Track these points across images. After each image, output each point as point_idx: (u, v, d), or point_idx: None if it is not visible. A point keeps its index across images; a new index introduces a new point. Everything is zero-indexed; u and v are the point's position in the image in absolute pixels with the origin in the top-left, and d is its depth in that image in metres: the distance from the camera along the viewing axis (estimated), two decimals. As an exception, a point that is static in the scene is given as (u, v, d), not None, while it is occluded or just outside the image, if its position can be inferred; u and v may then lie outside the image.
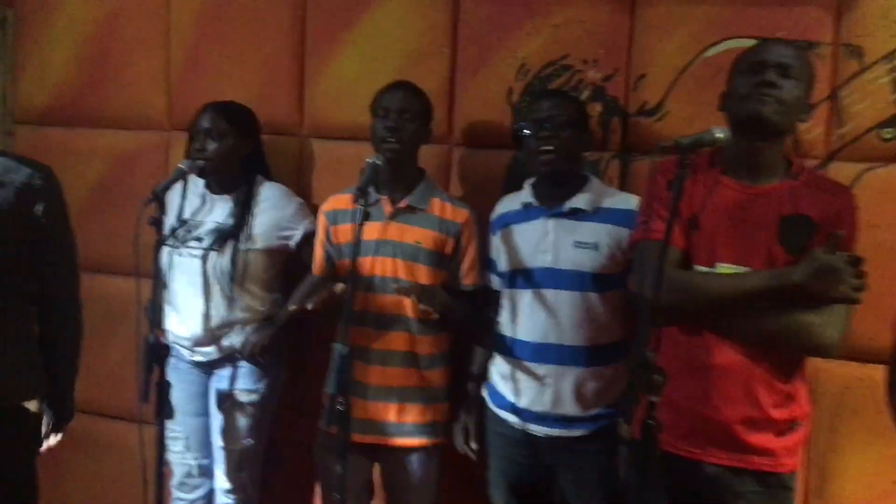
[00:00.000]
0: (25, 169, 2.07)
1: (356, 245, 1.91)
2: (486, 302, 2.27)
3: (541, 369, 2.06)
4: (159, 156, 2.87)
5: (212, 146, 2.38)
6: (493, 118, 2.45)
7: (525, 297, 2.09)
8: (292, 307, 2.08)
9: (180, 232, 2.46)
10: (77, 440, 3.06)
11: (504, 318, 2.17)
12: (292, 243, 2.47)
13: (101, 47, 2.92)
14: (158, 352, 2.22)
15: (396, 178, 2.22)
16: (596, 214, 2.05)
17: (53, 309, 2.19)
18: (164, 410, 2.25)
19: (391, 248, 2.21)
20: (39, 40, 3.02)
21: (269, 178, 2.56)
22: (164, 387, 2.23)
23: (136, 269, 2.22)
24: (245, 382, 2.48)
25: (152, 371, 2.20)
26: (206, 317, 2.43)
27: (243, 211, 2.44)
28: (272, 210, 2.45)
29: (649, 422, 1.56)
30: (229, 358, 2.47)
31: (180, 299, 2.46)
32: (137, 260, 2.14)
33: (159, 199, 2.17)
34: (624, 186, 2.30)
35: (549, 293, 2.05)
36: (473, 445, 2.21)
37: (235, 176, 2.48)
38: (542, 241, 2.08)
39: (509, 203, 2.21)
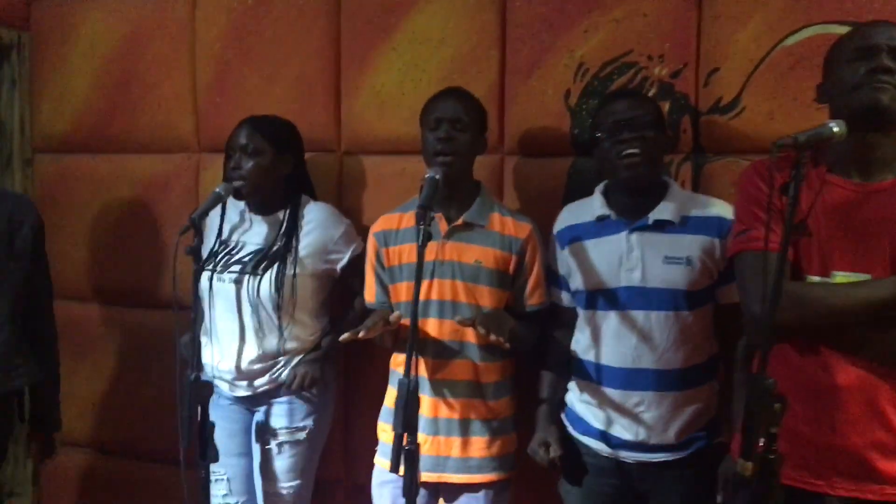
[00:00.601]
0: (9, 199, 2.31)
1: (418, 268, 1.73)
2: (555, 321, 2.09)
3: (634, 397, 1.87)
4: (189, 179, 2.71)
5: (248, 164, 2.22)
6: (548, 123, 2.27)
7: (609, 320, 1.91)
8: (343, 336, 1.90)
9: (221, 256, 2.29)
10: (111, 483, 2.91)
11: (583, 341, 1.98)
12: (339, 267, 2.30)
13: (123, 68, 2.78)
14: (201, 391, 2.06)
15: (452, 193, 2.04)
16: (684, 225, 1.86)
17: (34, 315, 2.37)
18: (208, 454, 2.08)
19: (449, 269, 2.03)
20: (58, 64, 2.88)
21: (314, 197, 2.39)
22: (207, 428, 2.06)
23: (174, 301, 2.06)
24: (292, 419, 2.29)
25: (195, 413, 2.03)
26: (250, 348, 2.25)
27: (288, 233, 2.27)
28: (319, 231, 2.28)
29: (770, 456, 1.37)
30: (274, 392, 2.28)
31: (220, 329, 2.28)
32: (176, 292, 1.99)
33: (196, 227, 2.02)
34: (697, 191, 2.11)
35: (639, 315, 1.87)
36: (557, 451, 1.98)
37: (277, 196, 2.31)
38: (626, 259, 1.89)
39: (577, 213, 2.03)
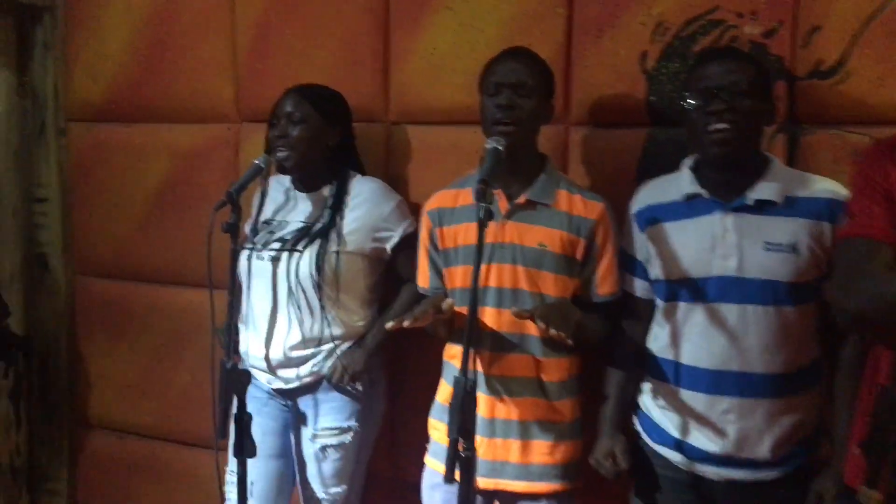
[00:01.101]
0: None
1: (478, 251, 1.52)
2: (628, 314, 1.87)
3: (721, 403, 1.64)
4: (228, 151, 2.54)
5: (294, 132, 2.04)
6: (621, 90, 2.03)
7: (695, 314, 1.68)
8: (389, 324, 1.70)
9: (262, 234, 2.12)
10: (145, 467, 2.79)
11: (661, 337, 1.76)
12: (389, 247, 2.11)
13: (159, 33, 2.61)
14: (238, 379, 1.90)
15: (513, 167, 1.82)
16: (790, 207, 1.62)
17: None
18: (245, 447, 1.92)
19: (509, 252, 1.82)
20: (92, 29, 2.72)
21: (363, 172, 2.20)
22: (243, 420, 1.90)
23: (208, 281, 1.89)
24: (335, 418, 2.11)
25: (231, 402, 1.87)
26: (290, 333, 2.08)
27: (333, 208, 2.09)
28: (367, 207, 2.09)
29: (900, 484, 1.15)
30: (316, 386, 2.10)
31: (258, 312, 2.11)
32: (210, 271, 1.82)
33: (234, 202, 1.84)
34: (794, 167, 1.85)
35: (732, 309, 1.63)
36: (625, 463, 1.79)
37: (323, 171, 2.13)
38: (718, 244, 1.65)
39: (661, 191, 1.79)
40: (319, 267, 2.03)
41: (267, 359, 2.10)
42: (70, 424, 2.93)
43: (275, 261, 2.06)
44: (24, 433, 2.93)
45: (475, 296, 1.53)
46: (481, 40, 2.16)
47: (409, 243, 2.08)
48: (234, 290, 1.96)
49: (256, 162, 1.95)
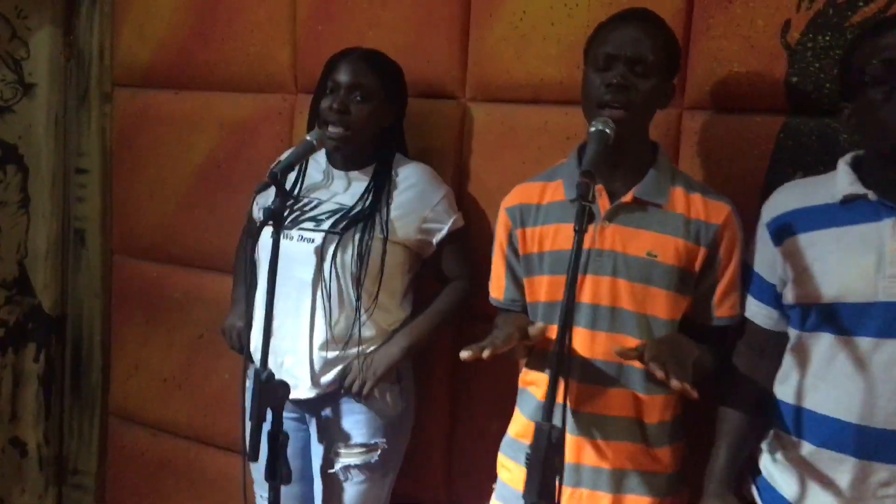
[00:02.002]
0: None
1: (574, 260, 1.19)
2: (748, 344, 1.51)
3: (878, 473, 1.28)
4: (282, 125, 2.25)
5: (360, 109, 1.75)
6: (755, 67, 1.65)
7: (846, 352, 1.31)
8: (465, 354, 1.36)
9: (293, 212, 1.81)
10: (180, 470, 2.55)
11: (794, 379, 1.40)
12: (435, 240, 1.82)
13: (213, -9, 2.32)
14: (275, 393, 1.62)
15: (619, 157, 1.47)
16: None
17: None
18: (278, 473, 1.65)
19: (609, 262, 1.47)
20: (143, -16, 2.46)
21: (406, 154, 1.92)
22: (279, 441, 1.63)
23: (246, 273, 1.61)
24: (360, 434, 1.82)
25: (264, 419, 1.59)
26: (315, 331, 1.78)
27: (378, 190, 1.80)
28: (415, 193, 1.81)
29: None
30: (338, 396, 1.82)
31: (280, 301, 1.76)
32: (248, 261, 1.62)
33: (279, 183, 1.55)
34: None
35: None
36: None
37: (368, 151, 1.84)
38: (886, 261, 1.28)
39: (804, 194, 1.41)
40: (362, 255, 1.74)
41: (289, 364, 1.80)
42: (102, 416, 2.71)
43: (308, 241, 1.76)
44: (54, 422, 2.72)
45: (569, 316, 1.20)
46: (582, 3, 1.81)
47: (455, 239, 1.83)
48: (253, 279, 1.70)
49: (308, 138, 1.66)
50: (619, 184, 1.49)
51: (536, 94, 1.89)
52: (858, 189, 1.33)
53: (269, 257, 1.64)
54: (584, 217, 1.20)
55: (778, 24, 1.62)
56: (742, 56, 1.66)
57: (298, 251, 1.76)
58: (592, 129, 1.33)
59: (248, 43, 2.28)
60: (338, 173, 1.85)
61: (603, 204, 1.49)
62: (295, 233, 1.77)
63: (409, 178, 1.83)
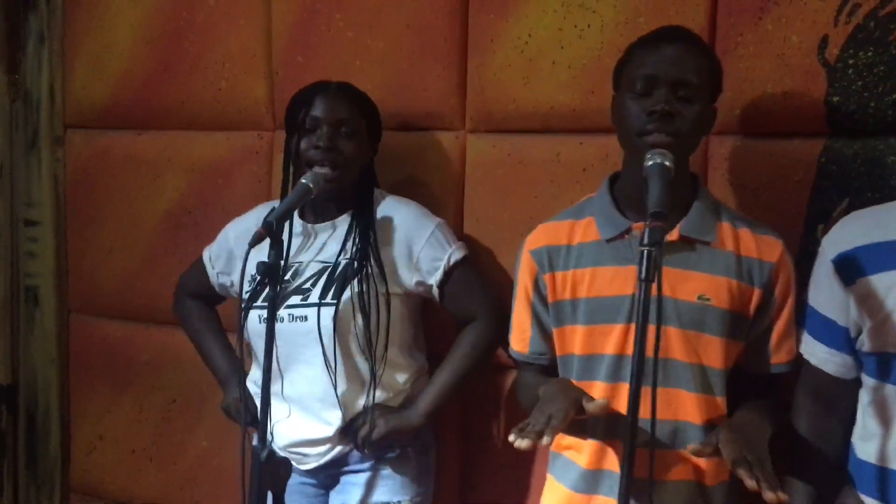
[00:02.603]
0: None
1: (642, 312, 1.03)
2: (814, 395, 1.36)
3: None
4: (259, 165, 2.05)
5: (348, 148, 1.58)
6: (789, 87, 1.52)
7: None
8: (520, 443, 1.15)
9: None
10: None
11: (874, 433, 1.25)
12: (434, 282, 1.62)
13: (178, 21, 2.12)
14: (276, 472, 1.44)
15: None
16: None
17: None
18: (283, 565, 1.44)
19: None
20: (96, 14, 2.23)
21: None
22: (280, 531, 1.43)
23: (238, 338, 1.49)
24: (382, 492, 1.64)
25: (265, 501, 1.41)
26: (325, 406, 1.60)
27: (363, 236, 1.60)
28: (403, 233, 1.62)
29: None
30: (353, 457, 1.64)
31: (287, 384, 1.62)
32: (242, 324, 1.48)
33: (275, 235, 1.36)
34: None
35: None
36: None
37: (347, 196, 1.66)
38: None
39: (878, 226, 1.27)
40: (367, 314, 1.55)
41: (300, 440, 1.62)
42: (62, 494, 2.43)
43: (299, 321, 1.58)
44: (7, 502, 2.44)
45: (638, 372, 1.03)
46: (595, 24, 1.67)
47: (460, 272, 1.62)
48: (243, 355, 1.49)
49: (304, 181, 1.48)
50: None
51: (547, 123, 1.74)
52: None
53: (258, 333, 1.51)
54: (651, 264, 1.04)
55: (815, 41, 1.50)
56: (776, 76, 1.53)
57: (292, 334, 1.57)
58: (650, 163, 1.18)
59: (220, 77, 2.08)
60: (312, 227, 1.66)
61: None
62: (283, 312, 1.57)
63: (394, 217, 1.64)
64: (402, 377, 1.64)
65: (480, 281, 1.67)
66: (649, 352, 1.29)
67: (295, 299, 1.58)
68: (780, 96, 1.53)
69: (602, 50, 1.66)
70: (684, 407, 1.31)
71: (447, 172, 1.84)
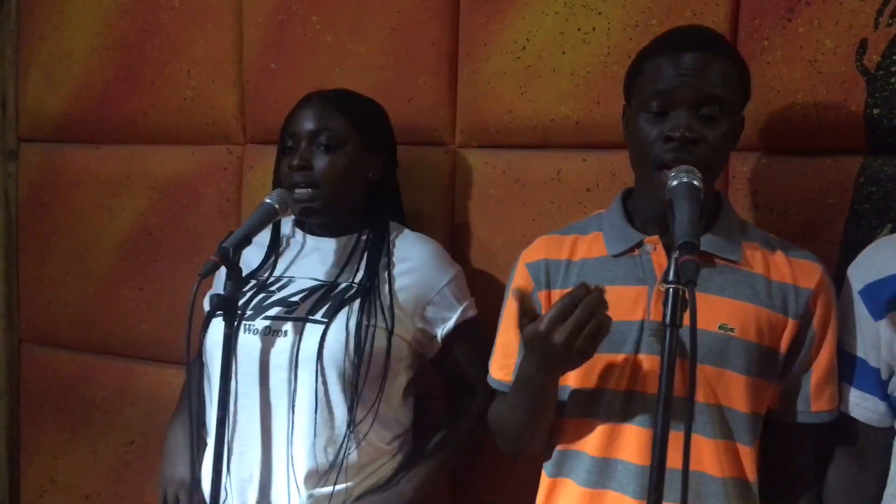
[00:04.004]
0: None
1: (667, 358, 0.86)
2: (843, 446, 1.19)
3: None
4: (229, 182, 1.86)
5: (322, 162, 1.35)
6: (823, 97, 1.35)
7: None
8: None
9: (252, 295, 1.38)
10: None
11: None
12: (440, 334, 1.41)
13: (140, 27, 1.94)
14: None
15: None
16: None
17: None
18: None
19: (672, 339, 1.11)
20: (53, 20, 2.05)
21: (406, 223, 1.52)
22: None
23: (188, 367, 1.27)
24: None
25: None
26: (295, 458, 1.31)
27: (374, 261, 1.38)
28: (418, 275, 1.40)
29: None
30: None
31: (242, 420, 1.34)
32: (189, 360, 1.21)
33: (231, 263, 1.16)
34: None
35: None
36: None
37: (355, 213, 1.44)
38: None
39: None
40: (359, 345, 1.30)
41: (253, 499, 1.34)
42: (9, 544, 2.21)
43: (276, 335, 1.32)
44: (-51, 553, 2.22)
45: (665, 416, 0.86)
46: (600, 27, 1.49)
47: (466, 333, 1.42)
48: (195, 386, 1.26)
49: (268, 201, 1.28)
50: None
51: (546, 137, 1.56)
52: None
53: (220, 351, 1.25)
54: (678, 305, 0.85)
55: (852, 45, 1.32)
56: (808, 85, 1.35)
57: (265, 348, 1.32)
58: (675, 182, 0.99)
59: (185, 86, 1.89)
60: (314, 241, 1.45)
61: (658, 261, 1.15)
62: (259, 323, 1.33)
63: (409, 255, 1.42)
64: (386, 436, 1.39)
65: (482, 348, 1.41)
66: (650, 389, 1.13)
67: (276, 310, 1.35)
68: (812, 108, 1.35)
69: (608, 56, 1.48)
70: (699, 455, 1.12)
71: (435, 192, 1.66)
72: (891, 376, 1.13)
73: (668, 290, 0.85)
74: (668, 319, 0.85)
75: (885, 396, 1.14)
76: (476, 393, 1.43)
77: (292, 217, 1.45)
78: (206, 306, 1.27)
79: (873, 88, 1.31)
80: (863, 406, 1.16)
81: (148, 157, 1.96)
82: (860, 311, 1.14)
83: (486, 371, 1.31)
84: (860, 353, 1.15)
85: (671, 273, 0.85)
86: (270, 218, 1.28)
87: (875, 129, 1.32)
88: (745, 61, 1.18)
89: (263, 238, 1.43)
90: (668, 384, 0.85)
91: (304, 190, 1.34)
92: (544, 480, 1.24)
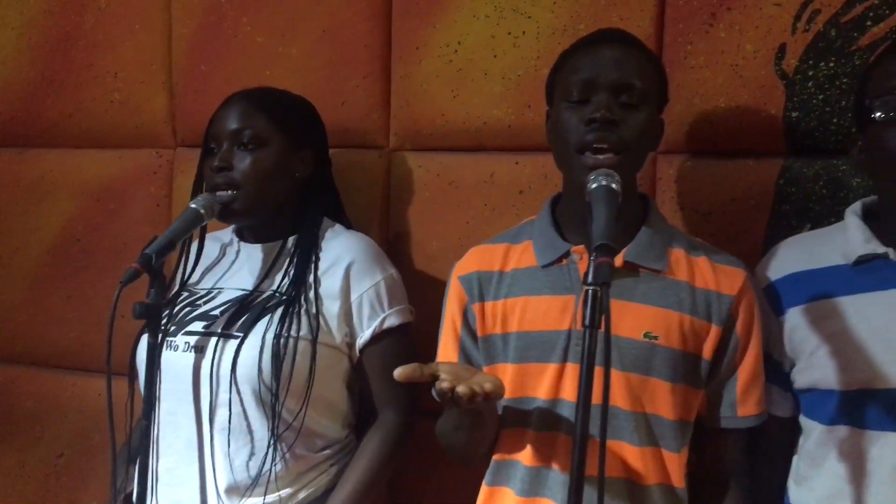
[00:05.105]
0: None
1: (586, 357, 0.86)
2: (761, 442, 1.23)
3: None
4: (159, 186, 1.82)
5: (244, 162, 1.33)
6: (744, 101, 1.38)
7: (869, 449, 1.09)
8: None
9: (180, 308, 1.36)
10: None
11: (821, 482, 1.15)
12: (359, 344, 1.36)
13: (66, 27, 1.88)
14: None
15: (603, 210, 1.14)
16: None
17: None
18: None
19: (597, 346, 1.12)
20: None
21: (345, 222, 1.49)
22: None
23: (107, 380, 1.17)
24: None
25: None
26: (217, 476, 1.28)
27: (300, 268, 1.34)
28: (344, 279, 1.35)
29: None
30: None
31: (166, 436, 1.32)
32: (110, 368, 1.15)
33: (154, 271, 1.13)
34: None
35: None
36: None
37: (284, 214, 1.41)
38: None
39: (810, 252, 1.19)
40: (278, 359, 1.26)
41: None
42: (-69, 564, 2.12)
43: (193, 352, 1.29)
44: None
45: (584, 425, 0.87)
46: (530, 31, 1.51)
47: (390, 344, 1.36)
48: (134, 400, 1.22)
49: (193, 206, 1.25)
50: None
51: (479, 140, 1.56)
52: (876, 247, 1.12)
53: (146, 368, 1.22)
54: (598, 306, 0.86)
55: (771, 50, 1.36)
56: (729, 89, 1.39)
57: (184, 365, 1.29)
58: (594, 185, 1.00)
59: (112, 89, 1.85)
60: (246, 248, 1.42)
61: (584, 269, 1.15)
62: (180, 339, 1.30)
63: (339, 256, 1.36)
64: (320, 456, 1.35)
65: (414, 353, 1.36)
66: (591, 398, 1.13)
67: (196, 325, 1.31)
68: (734, 111, 1.39)
69: (539, 59, 1.49)
70: (626, 463, 1.13)
71: (369, 195, 1.65)
72: (791, 368, 1.18)
73: (585, 292, 0.86)
74: (586, 321, 0.86)
75: (790, 389, 1.19)
76: (389, 410, 1.38)
77: (231, 228, 1.44)
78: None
79: (791, 92, 1.35)
80: (773, 398, 1.21)
81: (74, 161, 1.90)
82: (766, 308, 1.19)
83: (400, 384, 1.30)
84: (766, 348, 1.19)
85: (589, 276, 0.86)
86: (196, 223, 1.25)
87: (794, 132, 1.36)
88: (661, 62, 1.21)
89: (210, 248, 1.42)
90: (588, 386, 0.86)
91: (225, 192, 1.31)
92: (483, 489, 1.25)
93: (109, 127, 1.86)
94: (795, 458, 1.21)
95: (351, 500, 1.30)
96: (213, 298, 1.36)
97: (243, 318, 1.30)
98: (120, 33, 1.83)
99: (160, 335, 1.22)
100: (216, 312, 1.32)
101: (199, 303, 1.35)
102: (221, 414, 1.27)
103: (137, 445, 1.22)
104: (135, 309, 1.14)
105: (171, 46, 1.79)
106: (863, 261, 1.12)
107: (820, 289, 1.15)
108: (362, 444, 1.36)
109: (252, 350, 1.26)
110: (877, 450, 1.08)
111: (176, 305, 1.35)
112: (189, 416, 1.29)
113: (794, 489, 1.20)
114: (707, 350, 1.16)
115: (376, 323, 1.35)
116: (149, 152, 1.83)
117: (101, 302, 1.88)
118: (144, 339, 1.24)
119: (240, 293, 1.35)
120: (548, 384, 1.15)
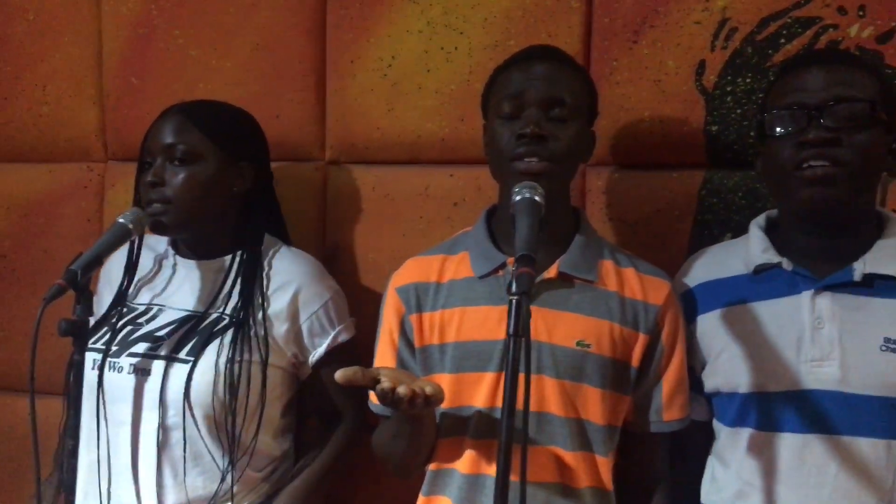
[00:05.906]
0: None
1: (510, 367, 0.89)
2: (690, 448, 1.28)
3: None
4: (89, 201, 1.79)
5: (177, 177, 1.31)
6: (668, 114, 1.43)
7: (767, 448, 1.15)
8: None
9: (120, 327, 1.34)
10: None
11: (729, 482, 1.20)
12: (312, 360, 1.39)
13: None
14: None
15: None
16: None
17: None
18: None
19: (533, 355, 1.15)
20: None
21: (286, 239, 1.49)
22: None
23: (30, 400, 1.14)
24: None
25: None
26: (167, 496, 1.28)
27: (248, 287, 1.34)
28: (292, 300, 1.36)
29: None
30: None
31: (112, 459, 1.30)
32: (33, 389, 1.13)
33: (79, 287, 1.11)
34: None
35: (839, 443, 1.10)
36: None
37: (224, 231, 1.40)
38: (809, 341, 1.13)
39: (717, 262, 1.26)
40: (233, 386, 1.27)
41: None
42: None
43: (140, 375, 1.28)
44: None
45: (509, 430, 0.89)
46: (462, 46, 1.53)
47: (338, 357, 1.37)
48: (72, 421, 1.19)
49: (121, 220, 1.24)
50: (539, 256, 1.18)
51: (414, 153, 1.58)
52: (772, 257, 1.18)
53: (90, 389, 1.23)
54: (521, 314, 0.88)
55: (692, 66, 1.42)
56: (653, 103, 1.44)
57: (128, 388, 1.28)
58: (518, 198, 1.02)
59: (41, 101, 1.81)
60: (186, 265, 1.40)
61: (521, 280, 1.18)
62: (124, 360, 1.29)
63: (285, 277, 1.37)
64: (267, 463, 1.37)
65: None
66: (531, 404, 1.15)
67: (142, 346, 1.30)
68: (658, 125, 1.44)
69: (471, 74, 1.52)
70: (560, 468, 1.16)
71: (306, 207, 1.65)
72: (702, 371, 1.24)
73: (509, 301, 0.88)
74: (510, 330, 0.88)
75: (701, 391, 1.24)
76: (344, 419, 1.41)
77: (166, 243, 1.42)
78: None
79: (711, 107, 1.41)
80: (693, 405, 1.25)
81: (2, 175, 1.86)
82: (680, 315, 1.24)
83: (355, 396, 1.31)
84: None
85: (512, 286, 0.88)
86: (124, 238, 1.24)
87: (714, 145, 1.41)
88: (591, 78, 1.25)
89: (144, 263, 1.40)
90: (512, 393, 0.87)
91: (159, 206, 1.30)
92: (420, 500, 1.25)
93: (38, 140, 1.82)
94: (709, 460, 1.26)
95: (305, 487, 1.35)
96: (154, 318, 1.35)
97: (192, 342, 1.29)
98: (49, 45, 1.80)
99: (103, 355, 1.22)
100: (161, 334, 1.31)
101: (140, 321, 1.34)
102: (172, 437, 1.27)
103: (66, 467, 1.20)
104: (60, 326, 1.12)
105: (101, 59, 1.77)
106: (761, 270, 1.19)
107: (724, 297, 1.21)
108: (315, 450, 1.41)
109: (205, 375, 1.27)
110: (776, 450, 1.13)
111: (115, 322, 1.32)
112: (128, 439, 1.28)
113: (706, 489, 1.25)
114: (635, 357, 1.20)
115: (329, 339, 1.38)
116: (79, 166, 1.80)
117: (29, 320, 1.82)
118: (89, 356, 1.22)
119: (183, 314, 1.34)
120: (485, 393, 1.18)
